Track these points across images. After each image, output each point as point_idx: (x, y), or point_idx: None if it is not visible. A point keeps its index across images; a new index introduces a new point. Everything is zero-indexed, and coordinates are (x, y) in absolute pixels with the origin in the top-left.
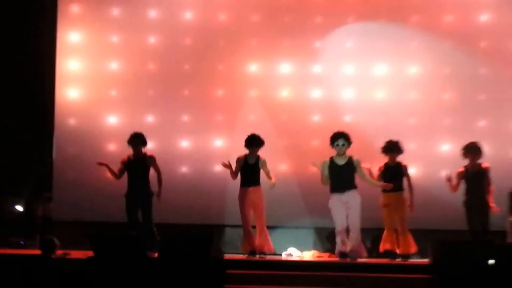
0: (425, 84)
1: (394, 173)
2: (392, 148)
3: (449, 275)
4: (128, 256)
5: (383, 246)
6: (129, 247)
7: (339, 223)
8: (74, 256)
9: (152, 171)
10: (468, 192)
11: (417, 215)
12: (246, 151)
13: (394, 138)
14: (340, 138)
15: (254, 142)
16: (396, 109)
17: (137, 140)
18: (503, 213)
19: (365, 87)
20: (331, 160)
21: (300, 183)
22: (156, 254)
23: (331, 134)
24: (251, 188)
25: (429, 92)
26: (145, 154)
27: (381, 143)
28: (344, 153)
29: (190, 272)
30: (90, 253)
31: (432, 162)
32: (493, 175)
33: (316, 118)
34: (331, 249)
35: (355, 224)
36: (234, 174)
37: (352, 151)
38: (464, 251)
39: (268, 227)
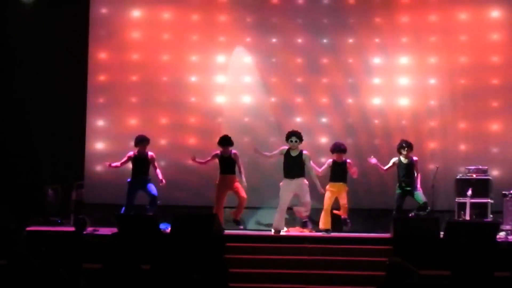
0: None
1: (340, 168)
2: (339, 149)
3: (407, 245)
4: (145, 232)
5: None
6: (146, 224)
7: (282, 202)
8: (102, 232)
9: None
10: (400, 178)
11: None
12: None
13: (340, 140)
14: (293, 136)
15: (227, 141)
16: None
17: (141, 142)
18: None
19: (262, 93)
20: (288, 150)
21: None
22: (169, 230)
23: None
24: (228, 176)
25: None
26: (147, 153)
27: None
28: (296, 148)
29: (196, 245)
30: (114, 230)
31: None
32: (443, 165)
33: (246, 119)
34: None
35: (307, 201)
36: (205, 163)
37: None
38: (419, 226)
39: (261, 208)
